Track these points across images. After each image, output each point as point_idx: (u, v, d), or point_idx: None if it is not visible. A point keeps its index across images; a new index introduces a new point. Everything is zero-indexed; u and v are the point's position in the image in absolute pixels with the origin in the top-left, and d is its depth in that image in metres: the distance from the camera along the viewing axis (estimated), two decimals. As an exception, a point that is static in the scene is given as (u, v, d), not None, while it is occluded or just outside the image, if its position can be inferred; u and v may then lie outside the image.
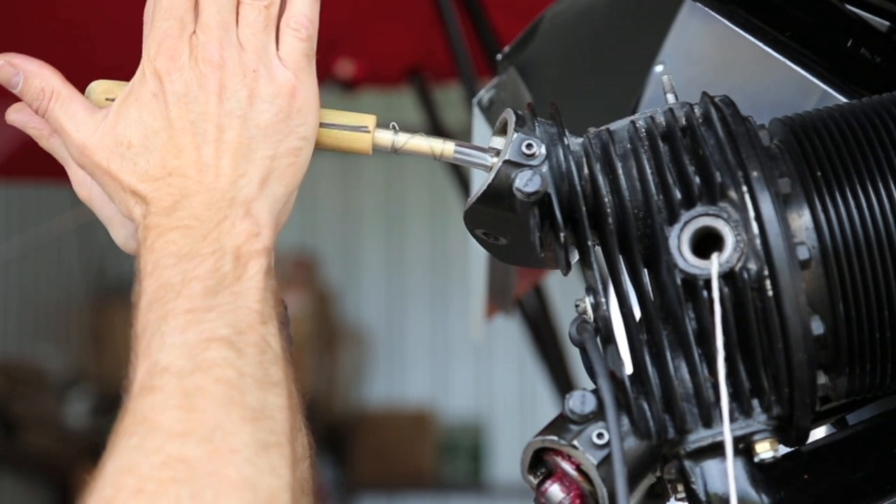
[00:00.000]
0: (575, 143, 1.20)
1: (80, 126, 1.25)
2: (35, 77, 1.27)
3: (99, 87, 1.29)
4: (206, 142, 1.20)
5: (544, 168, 1.18)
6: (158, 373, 1.09)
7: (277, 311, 1.17)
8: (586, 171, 1.18)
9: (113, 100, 1.26)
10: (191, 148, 1.20)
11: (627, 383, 1.14)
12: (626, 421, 1.14)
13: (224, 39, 1.23)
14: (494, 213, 1.20)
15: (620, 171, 1.17)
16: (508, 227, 1.21)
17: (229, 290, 1.14)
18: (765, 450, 1.14)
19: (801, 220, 1.15)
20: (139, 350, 1.12)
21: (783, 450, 1.16)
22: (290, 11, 1.25)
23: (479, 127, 1.88)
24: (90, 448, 7.46)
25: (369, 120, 1.27)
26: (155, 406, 1.07)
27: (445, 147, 1.26)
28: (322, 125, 1.27)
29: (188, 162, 1.20)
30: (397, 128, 1.26)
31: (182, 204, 1.18)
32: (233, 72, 1.22)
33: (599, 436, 1.12)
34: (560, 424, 1.14)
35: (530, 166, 1.18)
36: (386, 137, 1.26)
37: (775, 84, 1.42)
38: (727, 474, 1.14)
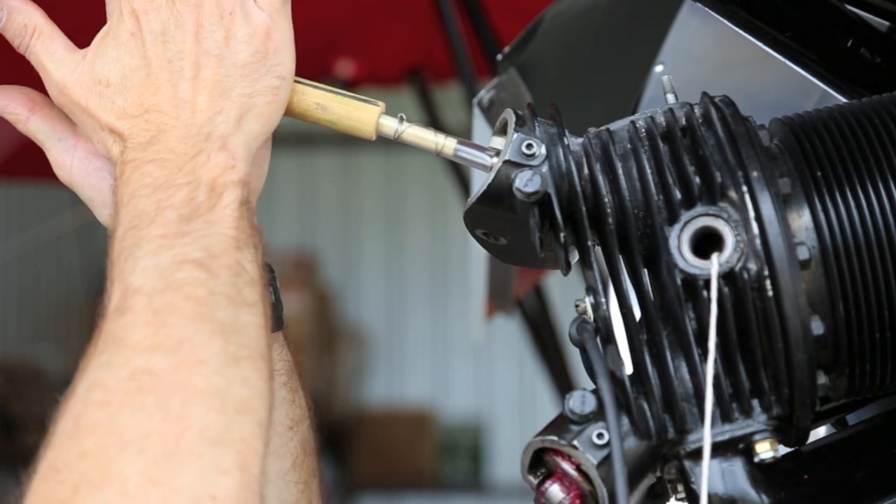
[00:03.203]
0: (575, 143, 1.20)
1: (59, 64, 1.26)
2: (18, 13, 1.28)
3: None
4: (183, 79, 1.22)
5: (544, 168, 1.18)
6: (130, 294, 1.10)
7: (254, 240, 1.17)
8: (586, 171, 1.18)
9: None
10: (167, 85, 1.22)
11: (627, 383, 1.14)
12: (626, 421, 1.14)
13: None
14: (494, 214, 1.20)
15: (620, 171, 1.17)
16: (508, 227, 1.21)
17: (203, 218, 1.15)
18: (765, 450, 1.14)
19: (801, 220, 1.15)
20: (113, 276, 1.13)
21: (783, 450, 1.16)
22: None
23: (479, 127, 1.88)
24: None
25: (379, 104, 1.28)
26: (125, 325, 1.09)
27: (447, 143, 1.26)
28: (333, 92, 1.28)
29: (165, 98, 1.21)
30: (404, 118, 1.27)
31: (158, 139, 1.20)
32: (210, 12, 1.23)
33: (599, 436, 1.12)
34: (560, 424, 1.14)
35: (530, 166, 1.18)
36: (390, 123, 1.27)
37: (775, 84, 1.42)
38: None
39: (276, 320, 1.33)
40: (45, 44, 1.27)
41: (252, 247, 1.16)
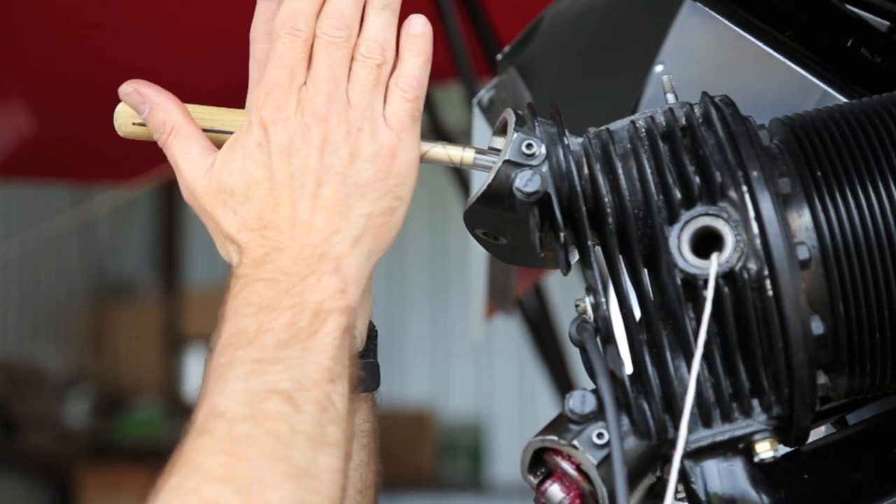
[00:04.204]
0: (575, 142, 1.20)
1: (192, 166, 1.25)
2: (159, 109, 1.27)
3: (125, 111, 1.30)
4: (304, 197, 1.21)
5: (544, 168, 1.18)
6: (214, 417, 1.11)
7: (350, 370, 1.17)
8: (586, 170, 1.18)
9: (141, 123, 1.28)
10: (287, 202, 1.21)
11: (627, 383, 1.14)
12: (626, 421, 1.14)
13: (333, 94, 1.22)
14: (494, 213, 1.20)
15: (620, 171, 1.17)
16: (508, 227, 1.21)
17: (301, 345, 1.15)
18: (765, 450, 1.14)
19: (801, 220, 1.15)
20: (204, 392, 1.14)
21: (783, 450, 1.16)
22: (400, 71, 1.25)
23: (479, 127, 1.88)
24: (90, 448, 7.47)
25: None
26: (202, 448, 1.09)
27: (465, 155, 1.26)
28: None
29: (283, 216, 1.21)
30: None
31: (272, 257, 1.19)
32: (337, 127, 1.22)
33: (599, 436, 1.12)
34: (560, 424, 1.14)
35: (530, 166, 1.18)
36: None
37: (775, 84, 1.42)
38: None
39: (375, 380, 1.35)
40: (181, 143, 1.26)
41: (346, 379, 1.16)
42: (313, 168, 1.21)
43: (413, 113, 1.25)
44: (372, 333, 1.33)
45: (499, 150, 1.22)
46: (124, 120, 1.30)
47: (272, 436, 1.09)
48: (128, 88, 1.28)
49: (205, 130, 1.27)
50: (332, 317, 1.16)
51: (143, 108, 1.28)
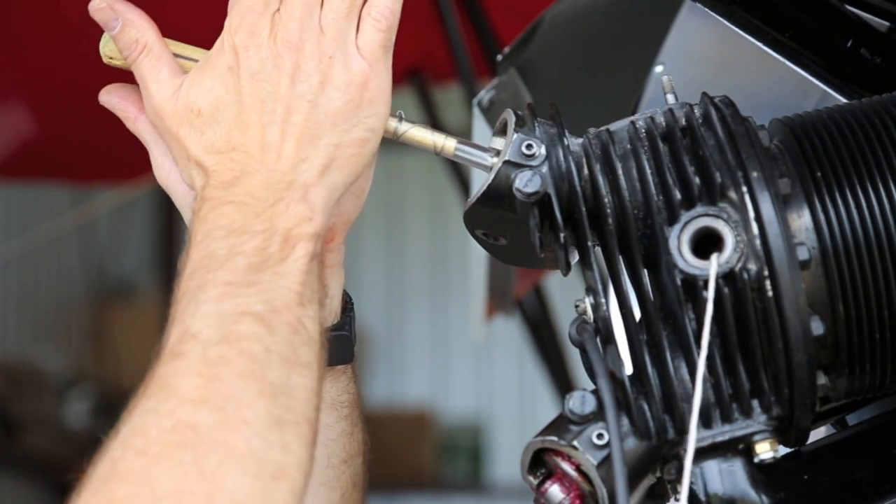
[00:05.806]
0: (575, 143, 1.20)
1: (160, 86, 1.25)
2: (132, 27, 1.27)
3: (109, 44, 1.30)
4: (273, 122, 1.21)
5: (544, 168, 1.18)
6: (187, 339, 1.11)
7: (319, 295, 1.17)
8: (586, 171, 1.18)
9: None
10: (257, 127, 1.21)
11: (627, 383, 1.14)
12: (626, 421, 1.14)
13: (306, 21, 1.23)
14: (494, 214, 1.20)
15: (620, 172, 1.17)
16: (508, 227, 1.21)
17: (272, 270, 1.15)
18: (765, 450, 1.14)
19: (801, 221, 1.15)
20: (175, 315, 1.14)
21: (783, 450, 1.16)
22: (373, 1, 1.25)
23: (479, 127, 1.88)
24: (90, 448, 7.47)
25: None
26: (176, 371, 1.09)
27: (447, 142, 1.26)
28: None
29: (253, 140, 1.20)
30: (403, 116, 1.27)
31: (241, 180, 1.19)
32: (309, 55, 1.22)
33: (599, 436, 1.12)
34: (560, 425, 1.14)
35: (530, 167, 1.18)
36: (389, 124, 1.27)
37: (775, 84, 1.42)
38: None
39: (348, 353, 1.34)
40: (152, 62, 1.26)
41: (316, 303, 1.16)
42: (284, 95, 1.21)
43: (385, 43, 1.25)
44: (347, 306, 1.33)
45: (486, 147, 1.23)
46: (107, 50, 1.29)
47: (246, 356, 1.09)
48: (101, 4, 1.28)
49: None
50: (300, 243, 1.16)
51: (114, 24, 1.27)
